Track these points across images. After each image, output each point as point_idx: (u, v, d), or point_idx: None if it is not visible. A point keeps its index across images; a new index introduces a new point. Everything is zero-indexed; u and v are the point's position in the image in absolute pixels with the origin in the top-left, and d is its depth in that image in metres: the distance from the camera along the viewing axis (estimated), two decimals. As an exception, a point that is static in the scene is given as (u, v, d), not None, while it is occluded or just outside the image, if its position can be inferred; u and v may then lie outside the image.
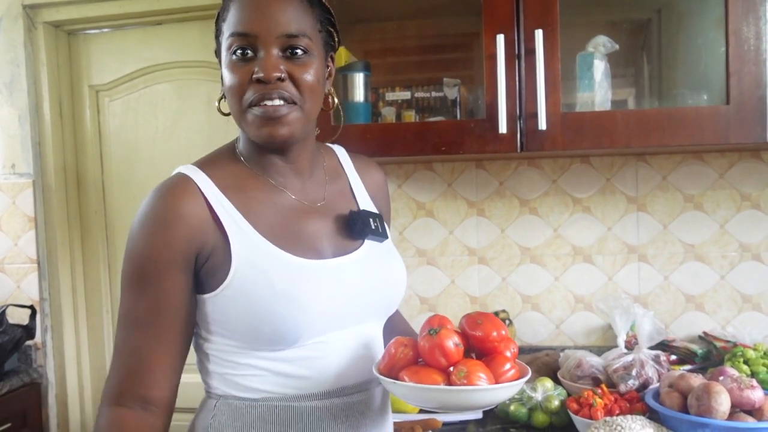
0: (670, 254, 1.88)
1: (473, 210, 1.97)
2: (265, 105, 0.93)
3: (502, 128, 1.53)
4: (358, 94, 1.69)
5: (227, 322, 0.96)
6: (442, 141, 1.59)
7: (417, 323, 1.93)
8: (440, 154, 1.61)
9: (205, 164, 1.00)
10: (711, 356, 1.69)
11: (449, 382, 0.88)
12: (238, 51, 0.93)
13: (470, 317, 0.97)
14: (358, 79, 1.69)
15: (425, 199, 1.99)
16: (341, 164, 1.15)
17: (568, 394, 1.53)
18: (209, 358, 1.01)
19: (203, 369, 1.04)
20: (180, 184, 0.95)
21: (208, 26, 2.16)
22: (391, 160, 1.93)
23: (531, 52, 1.52)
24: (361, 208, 1.10)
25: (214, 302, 0.95)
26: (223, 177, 0.98)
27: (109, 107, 2.28)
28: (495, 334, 0.94)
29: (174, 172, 0.99)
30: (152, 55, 2.22)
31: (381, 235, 1.07)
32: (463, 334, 0.96)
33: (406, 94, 1.79)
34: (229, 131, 2.15)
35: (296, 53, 0.94)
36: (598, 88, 1.62)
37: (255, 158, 1.02)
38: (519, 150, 1.55)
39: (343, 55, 1.74)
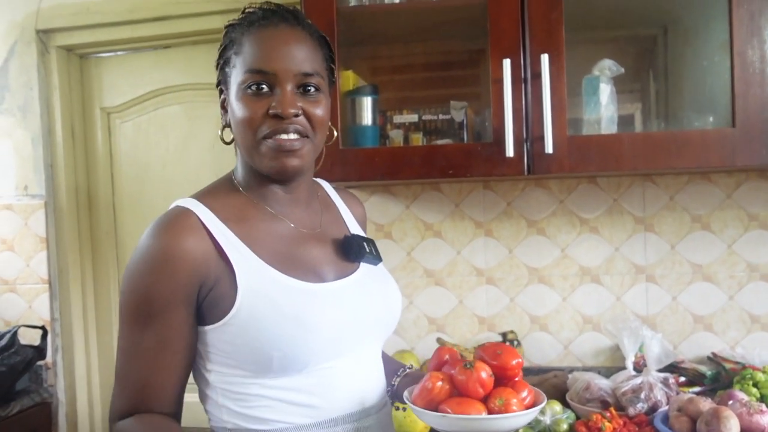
0: (678, 274, 1.88)
1: (481, 230, 1.98)
2: (281, 138, 0.97)
3: (509, 152, 1.54)
4: (366, 117, 1.71)
5: (235, 352, 0.96)
6: (450, 164, 1.60)
7: (425, 344, 1.96)
8: (448, 177, 1.62)
9: (204, 196, 1.01)
10: (720, 378, 1.69)
11: (489, 411, 0.94)
12: (254, 86, 0.97)
13: (488, 348, 1.03)
14: (367, 102, 1.71)
15: (433, 220, 2.00)
16: (329, 196, 1.20)
17: (577, 417, 1.53)
18: (215, 390, 1.01)
19: (208, 401, 1.03)
20: (181, 217, 0.95)
21: (217, 49, 2.19)
22: (400, 182, 1.95)
23: (537, 76, 1.54)
24: (348, 229, 1.16)
25: (220, 332, 0.95)
26: (223, 208, 0.99)
27: (121, 129, 2.31)
28: (514, 362, 1.00)
29: (172, 206, 0.99)
30: (163, 77, 2.25)
31: (376, 258, 1.11)
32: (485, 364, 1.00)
33: (413, 117, 1.81)
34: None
35: (309, 90, 0.99)
36: (604, 111, 1.63)
37: (255, 188, 1.04)
38: (526, 173, 1.57)
39: (351, 79, 1.76)
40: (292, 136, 0.97)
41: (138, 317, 0.94)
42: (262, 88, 0.96)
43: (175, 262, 0.92)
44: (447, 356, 1.05)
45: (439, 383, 0.97)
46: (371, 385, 1.06)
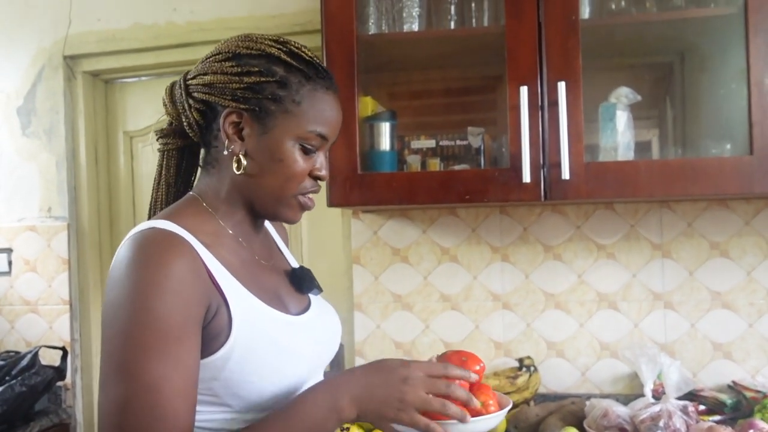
0: (697, 301, 1.87)
1: (497, 255, 1.98)
2: (309, 197, 1.01)
3: (526, 178, 1.55)
4: (384, 142, 1.73)
5: (220, 387, 0.90)
6: (467, 189, 1.62)
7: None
8: (464, 203, 1.64)
9: (179, 220, 0.93)
10: (740, 406, 1.67)
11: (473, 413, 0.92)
12: (309, 147, 0.98)
13: (452, 356, 1.04)
14: (385, 128, 1.73)
15: (449, 244, 2.01)
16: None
17: (595, 445, 1.52)
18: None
19: None
20: (177, 240, 0.88)
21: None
22: (416, 206, 1.96)
23: (554, 103, 1.55)
24: (287, 259, 1.14)
25: (213, 365, 0.89)
26: (201, 233, 0.93)
27: (143, 153, 2.35)
28: (478, 368, 1.02)
29: (146, 228, 0.90)
30: (185, 102, 2.29)
31: (318, 288, 1.10)
32: None
33: (431, 143, 1.83)
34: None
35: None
36: (621, 138, 1.64)
37: (228, 215, 1.00)
38: (542, 199, 1.58)
39: (369, 104, 1.79)
40: (314, 196, 1.02)
41: (161, 348, 0.84)
42: (312, 149, 0.99)
43: (185, 286, 0.86)
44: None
45: None
46: None
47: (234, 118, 0.96)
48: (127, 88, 2.36)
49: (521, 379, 1.84)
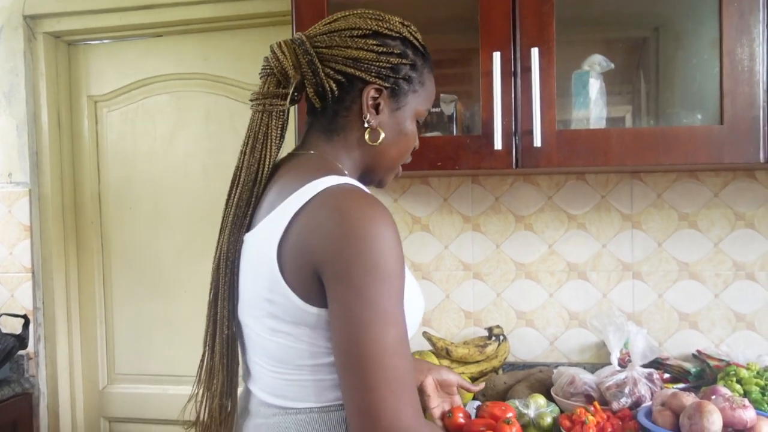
0: (665, 272, 1.89)
1: (469, 225, 1.98)
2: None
3: (498, 145, 1.54)
4: (355, 108, 1.70)
5: None
6: (438, 156, 1.60)
7: (411, 338, 1.94)
8: (436, 170, 1.62)
9: (350, 180, 1.00)
10: (704, 375, 1.69)
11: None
12: (420, 121, 1.12)
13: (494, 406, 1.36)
14: (356, 93, 1.69)
15: (421, 214, 2.00)
16: None
17: (561, 411, 1.53)
18: (323, 370, 0.96)
19: (309, 384, 0.98)
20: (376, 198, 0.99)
21: (207, 39, 2.18)
22: (388, 175, 1.94)
23: (527, 69, 1.53)
24: None
25: None
26: None
27: (108, 118, 2.28)
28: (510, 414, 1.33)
29: (346, 183, 0.96)
30: (151, 66, 2.23)
31: None
32: None
33: (403, 109, 1.80)
34: (225, 143, 2.17)
35: None
36: (593, 107, 1.63)
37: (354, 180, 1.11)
38: (514, 166, 1.56)
39: (340, 70, 1.75)
40: None
41: (398, 289, 0.89)
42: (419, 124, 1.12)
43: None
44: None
45: None
46: None
47: (374, 93, 1.03)
48: (91, 51, 2.28)
49: (490, 348, 1.84)
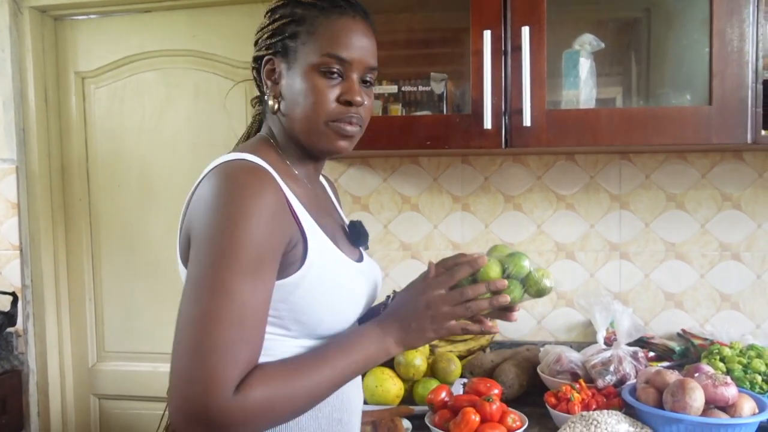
0: (652, 252, 1.90)
1: (458, 205, 1.98)
2: (344, 123, 1.01)
3: (487, 124, 1.54)
4: (345, 86, 1.69)
5: (287, 310, 0.95)
6: (428, 135, 1.60)
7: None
8: (425, 149, 1.62)
9: (261, 156, 0.98)
10: (688, 354, 1.72)
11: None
12: (329, 71, 1.00)
13: (480, 382, 1.40)
14: (345, 71, 1.68)
15: (411, 193, 2.00)
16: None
17: (547, 389, 1.55)
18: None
19: None
20: (264, 172, 0.94)
21: (196, 15, 2.16)
22: (377, 154, 1.94)
23: (517, 48, 1.53)
24: (340, 214, 1.22)
25: (283, 289, 0.94)
26: (280, 172, 0.99)
27: (95, 94, 2.26)
28: (497, 391, 1.38)
29: (233, 158, 0.95)
30: (139, 42, 2.20)
31: (367, 245, 1.16)
32: None
33: (392, 88, 1.79)
34: (214, 121, 2.15)
35: (368, 83, 1.05)
36: (583, 86, 1.63)
37: (294, 158, 1.07)
38: (504, 146, 1.56)
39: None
40: (354, 122, 1.02)
41: (253, 270, 0.87)
42: (334, 74, 1.00)
43: (280, 215, 0.92)
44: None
45: (473, 416, 1.30)
46: None
47: (270, 65, 1.04)
48: (79, 26, 2.25)
49: (478, 327, 1.85)
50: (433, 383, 1.60)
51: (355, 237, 1.12)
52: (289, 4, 1.04)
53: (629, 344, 1.57)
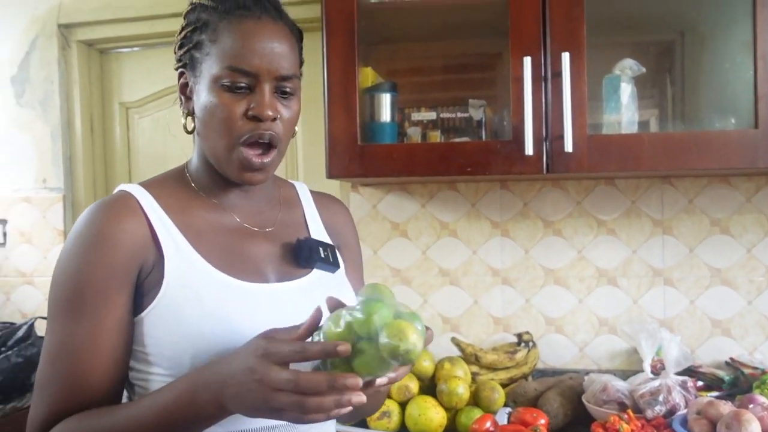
0: (696, 278, 1.86)
1: (497, 230, 1.97)
2: (254, 149, 0.92)
3: (528, 150, 1.53)
4: (385, 114, 1.71)
5: (152, 345, 0.89)
6: (468, 162, 1.60)
7: (439, 343, 1.94)
8: (465, 175, 1.62)
9: (150, 184, 0.96)
10: (739, 383, 1.67)
11: None
12: (233, 84, 0.90)
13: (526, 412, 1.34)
14: (385, 99, 1.71)
15: (449, 219, 2.00)
16: (299, 197, 1.11)
17: (593, 419, 1.52)
18: (133, 389, 0.93)
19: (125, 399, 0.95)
20: (120, 200, 0.90)
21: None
22: (415, 180, 1.94)
23: (557, 74, 1.53)
24: (309, 232, 1.07)
25: (142, 322, 0.89)
26: (167, 197, 0.94)
27: (139, 124, 2.32)
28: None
29: (115, 190, 0.95)
30: (181, 73, 2.26)
31: (332, 265, 1.02)
32: None
33: (431, 115, 1.81)
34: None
35: (285, 93, 0.93)
36: (624, 111, 1.62)
37: (205, 180, 0.98)
38: (545, 172, 1.56)
39: (369, 76, 1.76)
40: (266, 140, 0.91)
41: (71, 308, 0.86)
42: (241, 87, 0.90)
43: (111, 244, 0.86)
44: None
45: None
46: None
47: (183, 79, 0.96)
48: (123, 59, 2.32)
49: (520, 355, 1.83)
50: (477, 412, 1.58)
51: (296, 255, 1.00)
52: (196, 8, 0.94)
53: (677, 373, 1.53)
